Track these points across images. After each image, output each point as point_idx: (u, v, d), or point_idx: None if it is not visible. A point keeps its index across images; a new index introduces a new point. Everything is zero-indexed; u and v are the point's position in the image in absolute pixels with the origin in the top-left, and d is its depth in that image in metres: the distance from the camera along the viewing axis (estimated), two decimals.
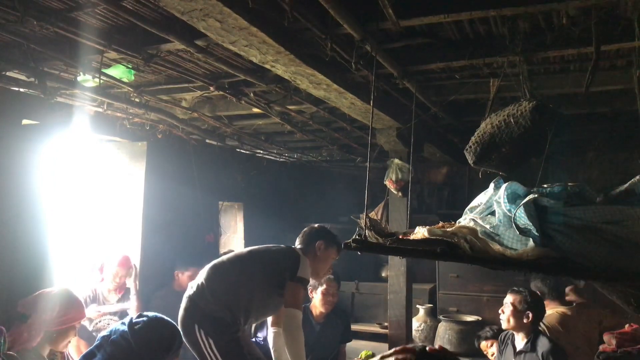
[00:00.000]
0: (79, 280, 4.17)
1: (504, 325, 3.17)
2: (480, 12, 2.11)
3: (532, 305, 3.12)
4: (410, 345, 0.98)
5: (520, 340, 3.13)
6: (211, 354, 2.59)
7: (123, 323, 1.99)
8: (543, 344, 3.00)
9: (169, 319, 2.09)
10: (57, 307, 2.62)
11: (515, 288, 3.21)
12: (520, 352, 3.07)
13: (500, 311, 3.19)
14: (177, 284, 4.23)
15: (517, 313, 3.08)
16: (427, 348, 0.92)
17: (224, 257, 2.86)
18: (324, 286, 3.68)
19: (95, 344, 1.97)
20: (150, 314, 2.06)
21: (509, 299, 3.16)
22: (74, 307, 2.71)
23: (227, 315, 2.63)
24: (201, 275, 2.77)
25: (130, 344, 1.90)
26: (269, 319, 3.04)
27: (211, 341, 2.59)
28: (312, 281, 3.70)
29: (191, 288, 2.75)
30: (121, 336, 1.92)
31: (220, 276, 2.74)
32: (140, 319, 2.00)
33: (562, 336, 3.33)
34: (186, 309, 2.68)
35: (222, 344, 2.60)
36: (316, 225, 3.12)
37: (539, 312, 3.18)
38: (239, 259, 2.83)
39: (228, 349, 2.60)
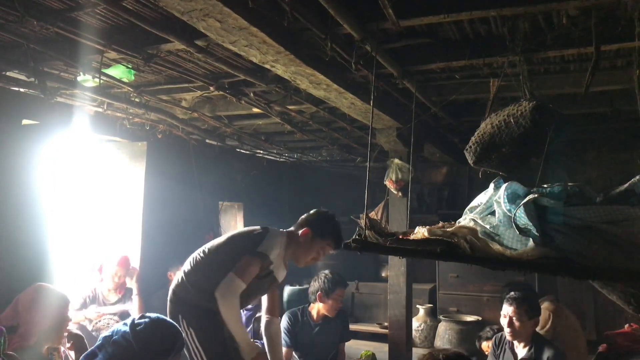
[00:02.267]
0: (78, 280, 4.18)
1: (511, 337, 3.02)
2: (480, 12, 2.11)
3: (538, 310, 3.05)
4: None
5: (521, 348, 3.03)
6: (193, 345, 2.58)
7: (125, 324, 2.00)
8: (547, 350, 2.92)
9: (170, 320, 2.10)
10: (39, 305, 2.61)
11: (512, 296, 3.03)
12: None
13: (505, 325, 3.01)
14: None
15: (526, 323, 2.96)
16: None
17: (203, 246, 2.84)
18: (336, 293, 3.63)
19: (96, 344, 1.97)
20: (152, 315, 2.06)
21: (512, 310, 2.97)
22: (54, 298, 2.68)
23: (211, 303, 2.56)
24: (183, 267, 2.79)
25: (132, 345, 1.90)
26: (264, 307, 3.00)
27: (192, 331, 2.58)
28: (319, 284, 3.69)
29: (175, 280, 2.76)
30: (122, 337, 1.92)
31: (196, 265, 2.71)
32: (142, 319, 2.00)
33: (558, 333, 3.32)
34: (170, 301, 2.68)
35: (201, 333, 2.58)
36: (320, 210, 2.94)
37: (540, 313, 3.16)
38: (213, 246, 2.78)
39: (207, 335, 2.59)
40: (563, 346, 3.21)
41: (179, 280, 2.71)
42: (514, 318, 2.96)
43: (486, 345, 3.69)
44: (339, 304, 3.67)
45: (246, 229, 2.85)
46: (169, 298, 2.70)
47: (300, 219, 2.90)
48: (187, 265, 2.74)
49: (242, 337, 2.54)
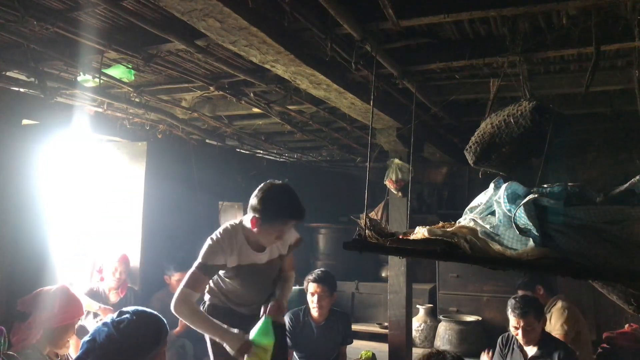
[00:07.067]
0: (79, 280, 4.18)
1: (526, 343, 3.11)
2: (480, 12, 2.11)
3: (542, 311, 3.14)
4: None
5: (531, 347, 3.09)
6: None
7: (105, 324, 1.94)
8: (557, 349, 3.00)
9: (151, 310, 2.04)
10: (55, 304, 2.62)
11: (517, 306, 3.07)
12: (533, 358, 3.06)
13: (520, 336, 3.07)
14: (171, 287, 4.21)
15: (537, 327, 3.05)
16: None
17: None
18: (310, 291, 3.60)
19: (82, 349, 1.90)
20: (131, 309, 1.99)
21: (523, 322, 3.03)
22: (73, 305, 2.71)
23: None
24: None
25: (120, 344, 1.86)
26: None
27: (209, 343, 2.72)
28: (304, 284, 3.70)
29: None
30: (108, 338, 1.87)
31: None
32: (123, 316, 1.94)
33: (570, 327, 3.38)
34: None
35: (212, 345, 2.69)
36: (265, 188, 2.55)
37: (544, 310, 3.22)
38: None
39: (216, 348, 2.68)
40: (583, 345, 3.27)
41: None
42: (527, 329, 3.04)
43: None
44: (318, 301, 3.59)
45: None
46: None
47: (250, 202, 2.61)
48: None
49: (217, 334, 2.49)
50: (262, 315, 2.59)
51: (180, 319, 2.58)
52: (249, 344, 2.46)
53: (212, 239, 2.59)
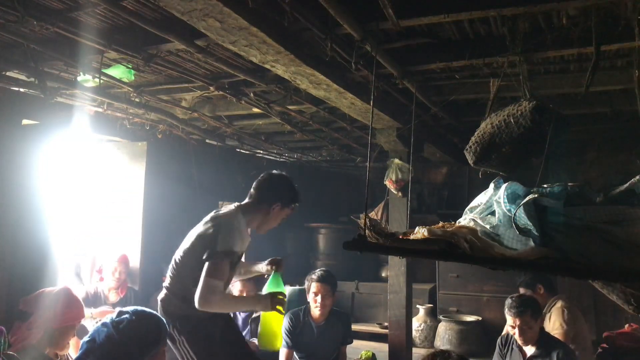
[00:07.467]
0: (79, 280, 4.18)
1: (524, 343, 3.10)
2: (480, 12, 2.11)
3: (539, 311, 3.14)
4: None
5: (530, 346, 3.10)
6: (185, 351, 2.60)
7: (104, 324, 1.92)
8: (556, 348, 3.00)
9: (150, 310, 2.03)
10: (58, 305, 2.62)
11: (514, 305, 3.08)
12: (532, 357, 3.06)
13: (517, 335, 3.07)
14: None
15: (534, 326, 3.06)
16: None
17: (175, 254, 2.78)
18: (311, 287, 3.60)
19: (81, 350, 1.90)
20: (130, 309, 1.99)
21: (519, 320, 3.03)
22: (75, 306, 2.71)
23: (197, 310, 2.52)
24: (165, 278, 2.77)
25: (119, 344, 1.85)
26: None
27: (184, 338, 2.60)
28: (306, 284, 3.70)
29: (161, 292, 2.75)
30: (107, 338, 1.86)
31: (174, 276, 2.68)
32: (122, 316, 1.94)
33: (570, 327, 3.38)
34: (160, 313, 2.62)
35: (192, 340, 2.61)
36: (277, 176, 2.86)
37: (541, 309, 3.21)
38: (183, 252, 2.72)
39: (200, 342, 2.61)
40: (583, 345, 3.27)
41: (164, 294, 2.71)
42: (524, 327, 3.04)
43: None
44: (322, 301, 3.59)
45: (200, 227, 2.74)
46: (158, 310, 2.67)
47: (256, 189, 2.81)
48: (167, 277, 2.75)
49: (248, 304, 2.80)
50: (271, 271, 2.89)
51: (215, 310, 2.57)
52: (276, 295, 2.65)
53: (226, 226, 2.62)
